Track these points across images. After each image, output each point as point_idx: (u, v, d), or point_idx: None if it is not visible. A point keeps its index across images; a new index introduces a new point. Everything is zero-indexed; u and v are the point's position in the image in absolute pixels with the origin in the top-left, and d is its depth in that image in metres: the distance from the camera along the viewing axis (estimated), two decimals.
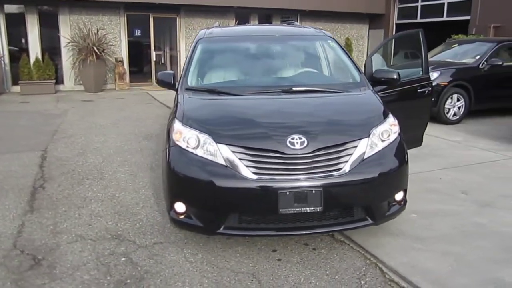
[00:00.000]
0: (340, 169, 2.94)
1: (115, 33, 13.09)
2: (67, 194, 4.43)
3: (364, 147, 3.05)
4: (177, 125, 3.20)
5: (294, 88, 3.65)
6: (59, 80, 12.74)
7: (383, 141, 3.16)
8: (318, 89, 3.68)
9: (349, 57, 4.15)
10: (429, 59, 8.96)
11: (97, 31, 12.23)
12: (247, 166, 2.89)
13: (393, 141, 3.20)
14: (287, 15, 15.45)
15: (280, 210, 2.85)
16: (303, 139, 2.94)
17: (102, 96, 11.93)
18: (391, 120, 3.31)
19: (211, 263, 3.07)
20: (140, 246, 3.31)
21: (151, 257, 3.14)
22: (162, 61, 14.53)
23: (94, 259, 3.10)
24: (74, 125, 7.88)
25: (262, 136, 3.01)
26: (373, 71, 4.09)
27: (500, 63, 8.12)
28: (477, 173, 5.05)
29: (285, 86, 3.73)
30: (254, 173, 2.88)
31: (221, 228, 2.98)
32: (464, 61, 8.48)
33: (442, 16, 13.89)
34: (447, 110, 7.98)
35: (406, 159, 3.24)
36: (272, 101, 3.50)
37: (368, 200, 3.05)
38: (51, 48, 12.64)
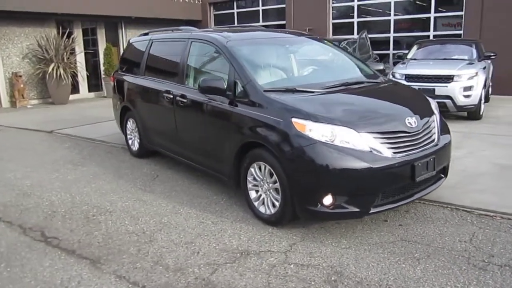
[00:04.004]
0: (435, 139, 3.67)
1: None
2: (102, 236, 3.62)
3: (435, 120, 3.85)
4: (307, 122, 3.25)
5: (348, 82, 4.11)
6: None
7: (435, 114, 4.03)
8: (367, 80, 4.26)
9: (349, 53, 4.84)
10: None
11: None
12: (387, 148, 3.29)
13: (439, 115, 4.10)
14: (113, 22, 14.62)
15: (417, 179, 3.38)
16: (414, 119, 3.52)
17: None
18: (431, 99, 4.22)
19: (363, 243, 3.32)
20: (284, 252, 3.22)
21: (312, 256, 3.15)
22: None
23: (267, 278, 2.89)
24: None
25: (389, 121, 3.44)
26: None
27: None
28: None
29: (340, 80, 4.11)
30: (394, 153, 3.30)
31: (372, 208, 3.29)
32: None
33: (259, 21, 15.82)
34: None
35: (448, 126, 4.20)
36: (356, 94, 3.89)
37: (448, 160, 3.89)
38: None
